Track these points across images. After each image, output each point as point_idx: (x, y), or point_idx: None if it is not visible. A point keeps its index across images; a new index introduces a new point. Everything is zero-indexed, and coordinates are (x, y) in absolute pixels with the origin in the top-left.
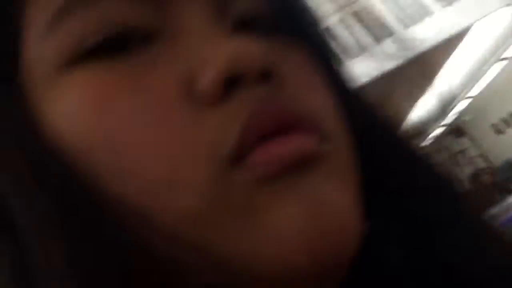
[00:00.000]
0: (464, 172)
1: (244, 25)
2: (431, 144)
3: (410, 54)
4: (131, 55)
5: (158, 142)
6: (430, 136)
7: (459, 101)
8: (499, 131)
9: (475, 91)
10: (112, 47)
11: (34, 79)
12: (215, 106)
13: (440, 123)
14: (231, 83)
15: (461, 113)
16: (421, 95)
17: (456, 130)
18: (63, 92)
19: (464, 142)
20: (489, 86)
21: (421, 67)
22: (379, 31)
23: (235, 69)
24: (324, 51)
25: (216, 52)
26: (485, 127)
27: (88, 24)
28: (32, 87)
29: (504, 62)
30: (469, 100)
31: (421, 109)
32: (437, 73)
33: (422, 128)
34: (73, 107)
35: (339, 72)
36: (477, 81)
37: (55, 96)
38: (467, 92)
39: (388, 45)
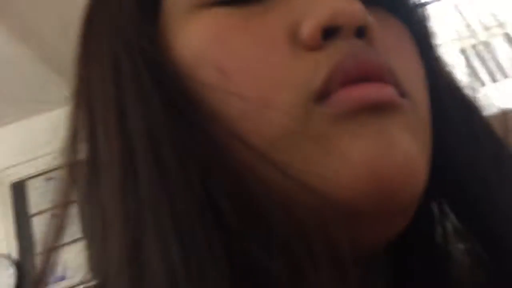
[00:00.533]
0: None
1: None
2: None
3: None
4: (248, 6)
5: (259, 69)
6: None
7: None
8: None
9: None
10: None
11: (171, 17)
12: (312, 51)
13: None
14: (330, 34)
15: None
16: None
17: None
18: (190, 28)
19: None
20: None
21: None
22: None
23: (334, 22)
24: (421, 29)
25: (321, 5)
26: None
27: None
28: (170, 23)
29: None
30: None
31: None
32: None
33: None
34: (196, 37)
35: (431, 49)
36: None
37: (184, 31)
38: None
39: None
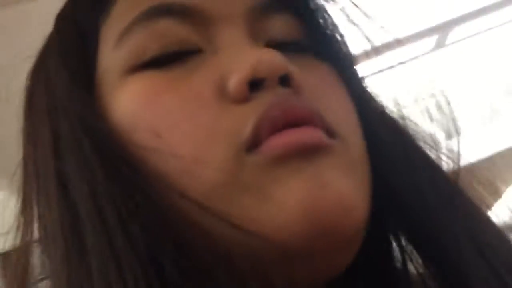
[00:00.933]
0: None
1: (277, 45)
2: None
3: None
4: (179, 64)
5: (190, 127)
6: None
7: None
8: None
9: None
10: (166, 59)
11: (104, 85)
12: (241, 104)
13: None
14: (256, 85)
15: None
16: None
17: None
18: (122, 94)
19: None
20: None
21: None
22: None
23: (257, 74)
24: (348, 69)
25: (243, 60)
26: None
27: (147, 41)
28: (104, 90)
29: None
30: None
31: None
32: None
33: None
34: (128, 103)
35: (360, 86)
36: None
37: (117, 97)
38: None
39: None
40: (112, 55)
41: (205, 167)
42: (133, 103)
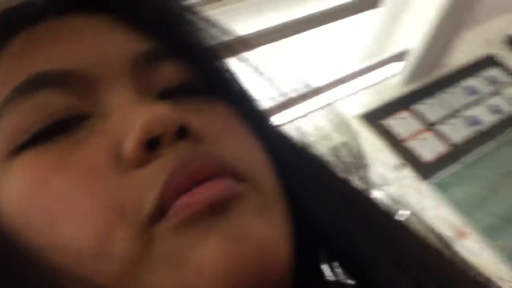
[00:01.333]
0: None
1: (169, 93)
2: None
3: None
4: (69, 134)
5: (86, 209)
6: None
7: None
8: None
9: None
10: (52, 131)
11: None
12: (139, 168)
13: None
14: (153, 144)
15: None
16: None
17: None
18: (8, 176)
19: None
20: None
21: None
22: None
23: (151, 134)
24: (246, 104)
25: (135, 121)
26: None
27: (28, 116)
28: None
29: None
30: None
31: None
32: None
33: None
34: (16, 189)
35: (261, 121)
36: None
37: (3, 184)
38: None
39: None
40: None
41: (111, 250)
42: (20, 190)
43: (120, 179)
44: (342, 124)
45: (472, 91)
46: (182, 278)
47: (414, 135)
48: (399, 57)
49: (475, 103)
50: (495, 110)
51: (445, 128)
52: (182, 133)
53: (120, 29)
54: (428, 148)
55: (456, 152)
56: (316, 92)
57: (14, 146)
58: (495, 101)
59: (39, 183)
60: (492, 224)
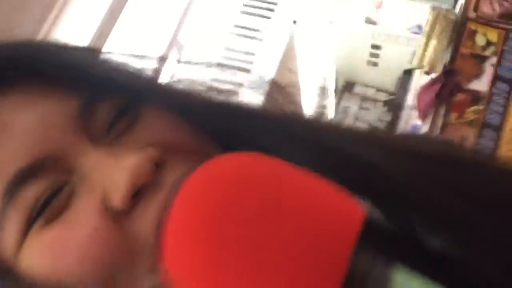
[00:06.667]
0: None
1: (113, 125)
2: None
3: None
4: (60, 209)
5: (106, 263)
6: None
7: None
8: None
9: None
10: (44, 212)
11: (9, 259)
12: (129, 212)
13: None
14: (136, 193)
15: None
16: None
17: None
18: (28, 249)
19: None
20: None
21: None
22: None
23: (137, 186)
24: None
25: (114, 177)
26: None
27: (20, 208)
28: (10, 265)
29: None
30: None
31: None
32: None
33: None
34: (36, 260)
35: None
36: None
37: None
38: None
39: None
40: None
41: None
42: (36, 264)
43: (120, 228)
44: None
45: None
46: None
47: None
48: None
49: None
50: None
51: None
52: (160, 166)
53: (46, 94)
54: None
55: None
56: None
57: (20, 237)
58: None
59: (51, 254)
60: None
